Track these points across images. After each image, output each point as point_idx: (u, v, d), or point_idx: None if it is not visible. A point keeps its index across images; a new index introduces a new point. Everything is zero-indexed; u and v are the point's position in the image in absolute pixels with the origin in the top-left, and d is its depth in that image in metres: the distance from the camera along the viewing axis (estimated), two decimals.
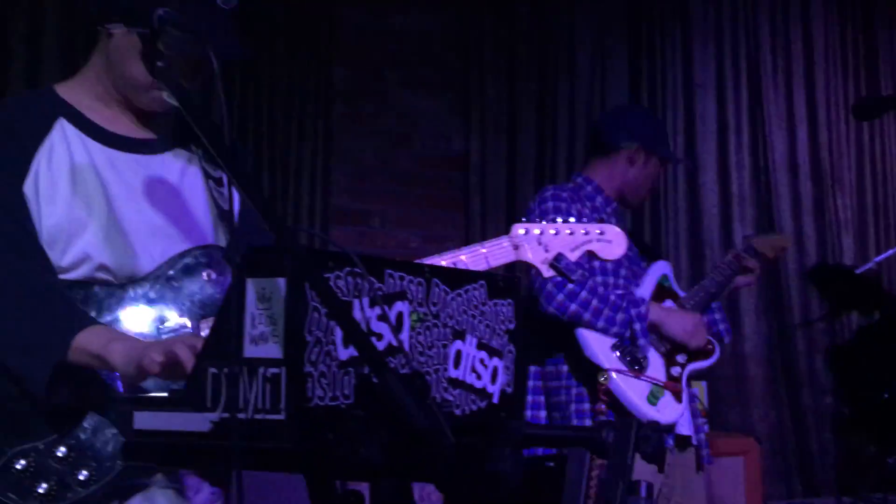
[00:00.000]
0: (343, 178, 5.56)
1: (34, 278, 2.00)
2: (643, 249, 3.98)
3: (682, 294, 3.86)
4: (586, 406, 3.61)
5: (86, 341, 1.91)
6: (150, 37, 1.79)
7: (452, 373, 1.71)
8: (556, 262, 2.46)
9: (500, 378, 1.79)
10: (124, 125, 2.16)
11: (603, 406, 3.54)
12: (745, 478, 4.69)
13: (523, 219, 3.30)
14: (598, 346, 3.58)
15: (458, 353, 1.73)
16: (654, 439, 1.66)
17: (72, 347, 1.91)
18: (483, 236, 5.47)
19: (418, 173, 5.73)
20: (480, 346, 1.77)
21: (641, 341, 3.60)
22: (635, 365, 3.60)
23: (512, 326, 1.82)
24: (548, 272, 2.49)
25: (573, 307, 3.54)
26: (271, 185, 5.29)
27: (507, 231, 2.53)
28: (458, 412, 1.71)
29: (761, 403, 5.99)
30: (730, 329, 4.03)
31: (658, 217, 5.93)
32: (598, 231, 2.54)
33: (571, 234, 2.52)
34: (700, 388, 4.63)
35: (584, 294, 3.54)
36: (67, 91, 2.17)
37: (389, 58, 5.70)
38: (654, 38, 6.04)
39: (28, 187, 2.04)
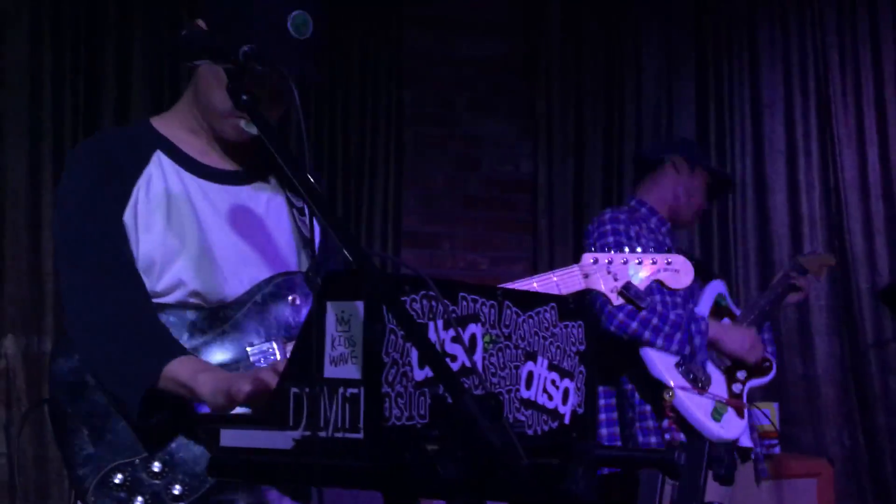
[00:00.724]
0: (413, 201, 5.62)
1: (130, 306, 2.07)
2: (695, 267, 4.03)
3: (737, 312, 3.92)
4: (650, 423, 3.66)
5: (175, 371, 1.97)
6: (235, 72, 1.85)
7: (524, 393, 1.74)
8: (626, 290, 2.52)
9: (572, 399, 1.82)
10: (215, 157, 2.25)
11: (670, 422, 3.58)
12: (819, 500, 4.64)
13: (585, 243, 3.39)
14: (663, 364, 3.63)
15: (530, 374, 1.76)
16: (727, 461, 1.66)
17: (161, 376, 1.98)
18: (551, 258, 5.50)
19: (487, 196, 5.76)
20: (552, 368, 1.79)
21: (700, 357, 3.65)
22: (699, 382, 3.65)
23: (582, 348, 1.85)
24: (617, 300, 2.55)
25: (634, 325, 3.59)
26: (344, 209, 5.38)
27: (574, 253, 2.58)
28: (530, 432, 1.74)
29: (834, 425, 5.90)
30: (776, 353, 4.08)
31: (727, 239, 5.90)
32: (667, 261, 2.59)
33: (640, 263, 2.57)
34: (772, 409, 4.62)
35: (644, 313, 3.59)
36: (163, 125, 2.26)
37: (458, 83, 5.75)
38: (721, 59, 6.02)
39: (128, 216, 2.13)
